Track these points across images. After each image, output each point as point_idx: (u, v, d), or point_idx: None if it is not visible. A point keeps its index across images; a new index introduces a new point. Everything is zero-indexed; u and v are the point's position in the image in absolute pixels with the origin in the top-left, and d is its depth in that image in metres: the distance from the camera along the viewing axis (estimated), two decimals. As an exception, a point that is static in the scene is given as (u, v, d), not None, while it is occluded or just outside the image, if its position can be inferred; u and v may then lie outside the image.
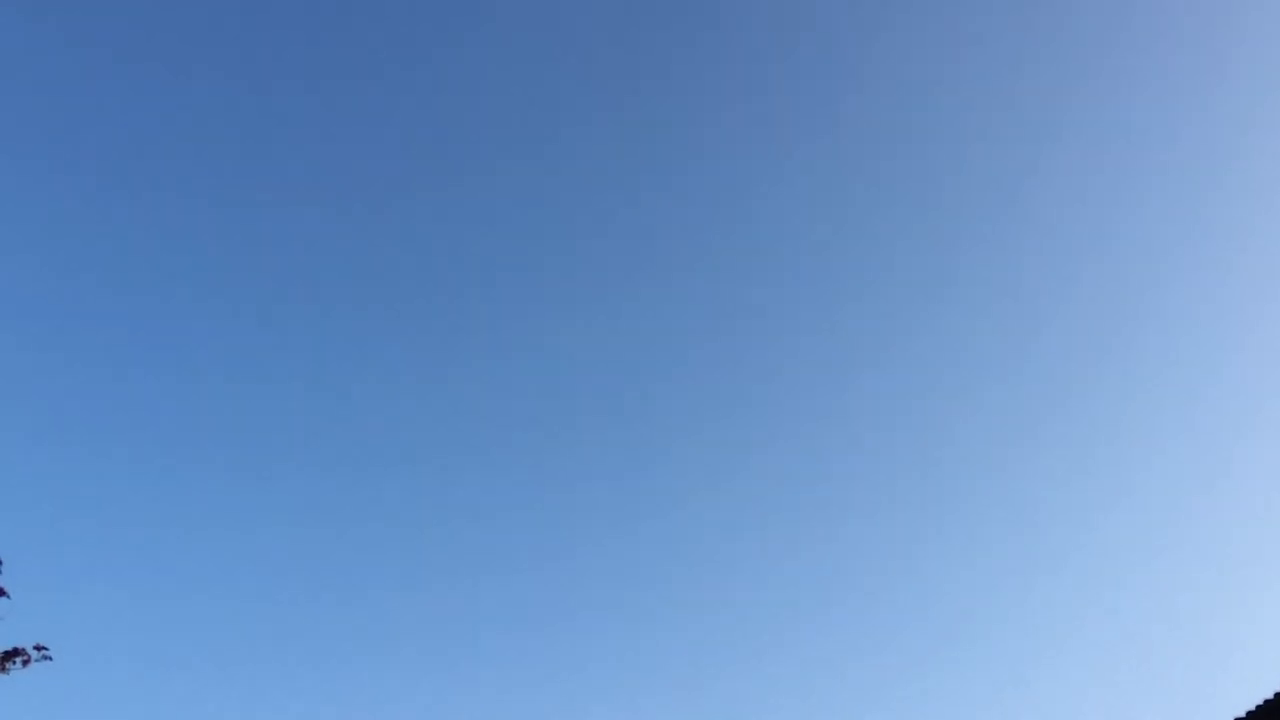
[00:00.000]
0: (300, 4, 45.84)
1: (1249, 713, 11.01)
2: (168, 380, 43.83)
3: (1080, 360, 50.57)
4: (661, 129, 50.81)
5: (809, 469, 49.49)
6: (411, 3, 46.29)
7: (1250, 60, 46.29)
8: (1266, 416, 46.00)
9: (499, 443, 47.96)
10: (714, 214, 50.45)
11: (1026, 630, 44.58)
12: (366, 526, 44.01)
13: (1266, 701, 11.08)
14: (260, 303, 46.86)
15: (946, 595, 45.66)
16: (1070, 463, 49.18)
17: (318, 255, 48.03)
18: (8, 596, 13.26)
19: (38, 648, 13.67)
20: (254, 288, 46.74)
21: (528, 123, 48.96)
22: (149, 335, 44.13)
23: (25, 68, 40.78)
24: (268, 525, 43.06)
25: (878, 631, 44.11)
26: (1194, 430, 48.66)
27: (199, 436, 43.73)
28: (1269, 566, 43.97)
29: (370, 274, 48.76)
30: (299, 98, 47.39)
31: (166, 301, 44.68)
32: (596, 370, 50.02)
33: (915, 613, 44.64)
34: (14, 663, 13.48)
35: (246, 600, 40.22)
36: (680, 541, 46.62)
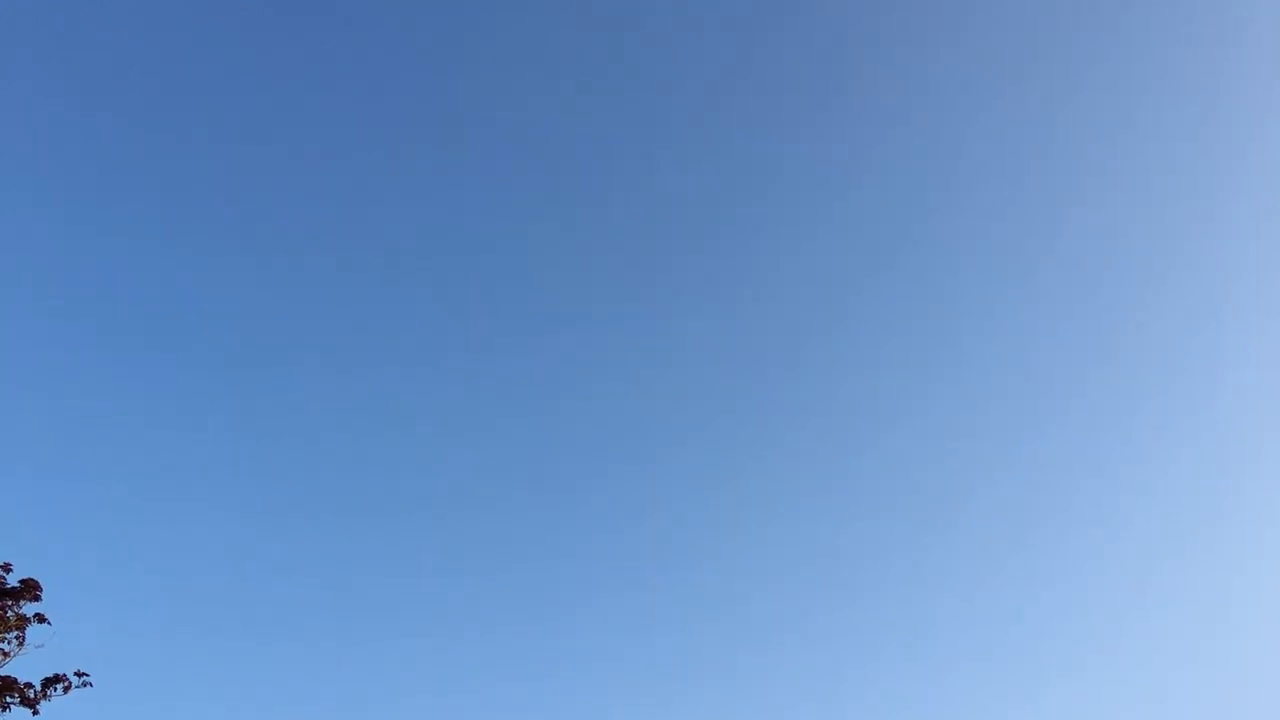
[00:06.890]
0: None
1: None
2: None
3: (1090, 360, 50.39)
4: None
5: (816, 469, 49.38)
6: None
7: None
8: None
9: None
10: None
11: (1034, 633, 44.32)
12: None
13: None
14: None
15: (950, 596, 45.48)
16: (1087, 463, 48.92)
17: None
18: (49, 624, 13.51)
19: (78, 674, 13.87)
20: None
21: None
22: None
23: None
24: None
25: (884, 631, 43.96)
26: (1208, 430, 48.42)
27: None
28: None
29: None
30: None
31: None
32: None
33: (921, 612, 44.47)
34: (55, 689, 13.69)
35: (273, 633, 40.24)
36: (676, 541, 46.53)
